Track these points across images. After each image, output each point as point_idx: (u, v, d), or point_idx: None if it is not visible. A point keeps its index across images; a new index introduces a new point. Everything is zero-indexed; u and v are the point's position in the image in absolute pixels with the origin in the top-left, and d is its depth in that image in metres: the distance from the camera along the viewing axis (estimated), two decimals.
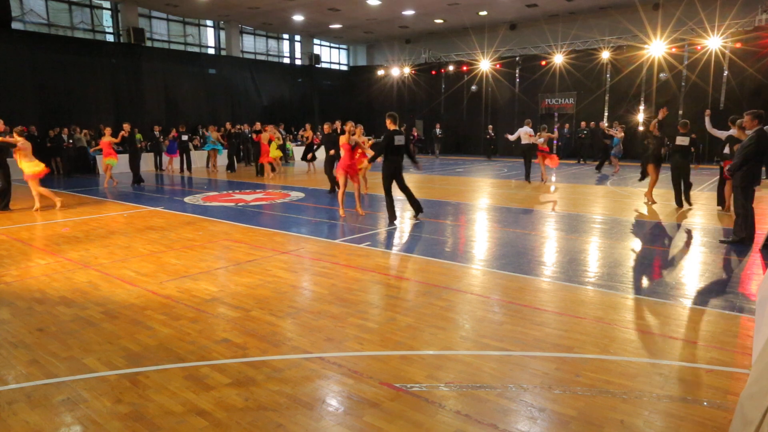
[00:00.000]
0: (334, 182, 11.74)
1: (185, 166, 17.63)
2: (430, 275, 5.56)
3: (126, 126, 13.73)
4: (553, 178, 15.04)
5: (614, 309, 4.50)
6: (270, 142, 15.43)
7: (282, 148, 18.98)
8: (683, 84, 19.93)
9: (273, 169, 15.86)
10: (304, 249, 6.78)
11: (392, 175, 8.47)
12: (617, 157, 16.31)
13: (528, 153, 14.29)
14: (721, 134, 9.92)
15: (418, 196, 8.84)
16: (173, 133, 17.62)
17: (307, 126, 17.49)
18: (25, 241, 7.39)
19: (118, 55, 19.55)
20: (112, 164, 13.45)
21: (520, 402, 3.01)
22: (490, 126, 23.19)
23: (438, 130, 23.89)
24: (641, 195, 10.87)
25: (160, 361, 3.56)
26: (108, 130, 13.33)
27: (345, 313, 4.41)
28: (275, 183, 14.36)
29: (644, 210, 9.66)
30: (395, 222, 8.50)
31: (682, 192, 9.72)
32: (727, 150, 9.26)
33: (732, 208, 9.46)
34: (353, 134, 9.05)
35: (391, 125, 8.47)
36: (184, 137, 17.59)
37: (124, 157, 15.16)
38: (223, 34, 23.97)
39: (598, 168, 17.00)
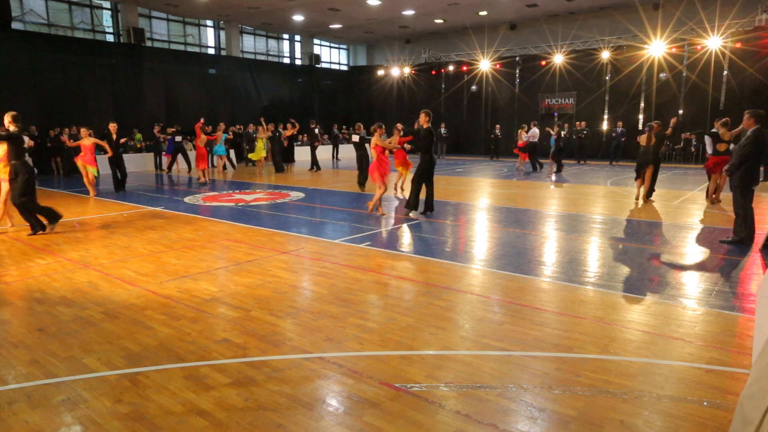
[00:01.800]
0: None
1: (170, 167, 17.59)
2: (430, 275, 5.56)
3: (112, 126, 12.16)
4: (553, 177, 15.08)
5: (614, 309, 4.50)
6: (254, 141, 15.34)
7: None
8: (683, 84, 19.93)
9: (205, 174, 14.38)
10: (304, 249, 6.78)
11: (432, 168, 8.95)
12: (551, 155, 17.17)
13: (531, 150, 17.24)
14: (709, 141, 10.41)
15: (420, 195, 9.08)
16: (156, 131, 17.34)
17: (288, 126, 18.20)
18: (25, 241, 7.39)
19: (118, 55, 19.55)
20: (94, 173, 11.73)
21: (520, 402, 3.01)
22: (497, 126, 23.00)
23: (443, 130, 23.36)
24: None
25: (160, 361, 3.56)
26: (87, 131, 11.63)
27: (345, 313, 4.41)
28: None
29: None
30: (410, 214, 8.98)
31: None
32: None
33: (713, 196, 9.96)
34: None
35: (428, 122, 8.81)
36: (178, 138, 17.20)
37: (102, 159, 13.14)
38: (223, 34, 23.97)
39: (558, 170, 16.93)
